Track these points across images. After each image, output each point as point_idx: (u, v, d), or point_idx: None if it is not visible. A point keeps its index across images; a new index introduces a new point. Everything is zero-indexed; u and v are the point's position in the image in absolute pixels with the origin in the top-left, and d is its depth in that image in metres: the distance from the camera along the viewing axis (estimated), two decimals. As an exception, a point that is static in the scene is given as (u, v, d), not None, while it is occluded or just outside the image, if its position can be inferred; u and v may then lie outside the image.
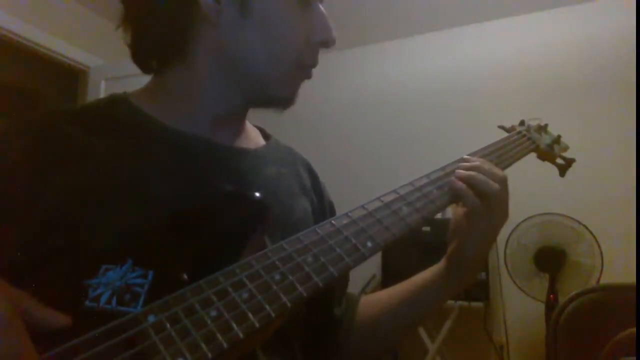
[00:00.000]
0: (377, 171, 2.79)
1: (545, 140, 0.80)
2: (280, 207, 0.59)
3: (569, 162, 0.81)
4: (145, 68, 0.60)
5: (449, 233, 0.63)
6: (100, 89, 2.66)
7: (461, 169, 0.60)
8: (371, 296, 0.73)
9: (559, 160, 0.81)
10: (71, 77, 2.88)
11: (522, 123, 0.82)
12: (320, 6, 0.59)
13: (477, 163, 0.61)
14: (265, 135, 0.70)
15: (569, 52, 2.51)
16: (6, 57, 2.77)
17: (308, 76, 0.61)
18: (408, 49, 2.92)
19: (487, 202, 0.58)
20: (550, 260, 2.08)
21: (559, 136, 0.83)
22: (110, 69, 2.68)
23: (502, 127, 0.82)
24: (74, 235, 0.45)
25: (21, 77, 3.20)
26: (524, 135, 0.77)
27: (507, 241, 2.15)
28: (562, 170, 0.81)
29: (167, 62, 0.58)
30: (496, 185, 0.58)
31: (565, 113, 2.43)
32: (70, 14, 2.69)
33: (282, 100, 0.60)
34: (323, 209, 0.70)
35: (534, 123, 0.82)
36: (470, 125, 2.62)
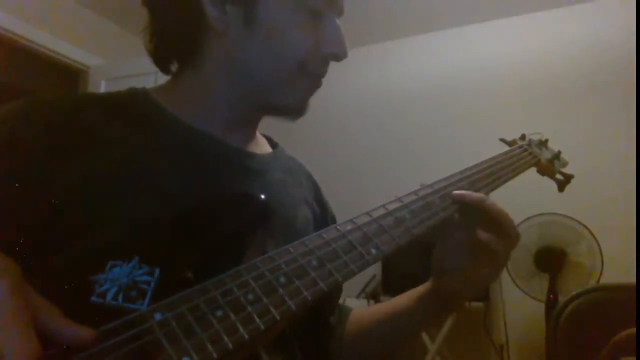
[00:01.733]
0: (378, 170, 2.79)
1: (545, 155, 0.82)
2: (284, 213, 0.60)
3: (568, 178, 0.82)
4: (165, 71, 0.62)
5: (432, 262, 0.62)
6: (100, 89, 2.66)
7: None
8: (359, 311, 0.74)
9: (558, 176, 0.82)
10: (71, 77, 2.88)
11: (523, 137, 0.83)
12: (336, 20, 0.59)
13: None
14: (272, 144, 0.71)
15: (569, 52, 2.51)
16: (6, 57, 2.77)
17: (317, 85, 0.61)
18: (409, 49, 2.92)
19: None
20: (550, 260, 2.08)
21: (559, 152, 0.84)
22: (110, 69, 2.69)
23: (503, 140, 0.83)
24: (82, 223, 0.46)
25: (21, 77, 3.20)
26: (526, 150, 0.78)
27: (507, 241, 2.14)
28: (561, 186, 0.82)
29: (182, 68, 0.61)
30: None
31: (565, 113, 2.43)
32: (70, 14, 2.69)
33: (289, 108, 0.61)
34: (326, 221, 0.70)
35: (535, 137, 0.83)
36: (470, 124, 2.62)
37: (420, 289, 0.65)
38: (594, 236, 2.03)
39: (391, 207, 0.52)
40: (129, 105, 0.59)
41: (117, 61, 2.72)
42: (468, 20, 2.72)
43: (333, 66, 0.61)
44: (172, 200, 0.50)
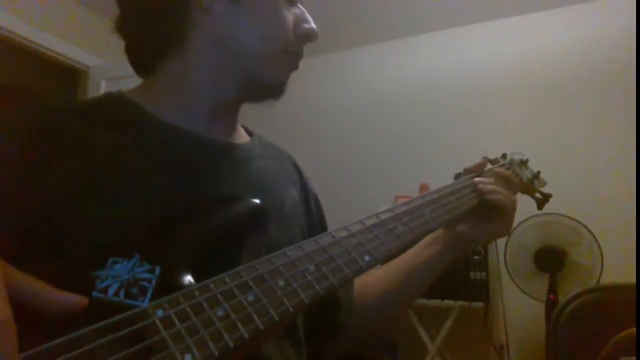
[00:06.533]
0: (378, 171, 2.79)
1: (526, 174, 0.85)
2: (272, 198, 0.61)
3: (547, 197, 0.85)
4: (141, 66, 0.62)
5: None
6: (100, 89, 2.66)
7: (484, 186, 0.70)
8: (371, 274, 0.74)
9: (538, 195, 0.86)
10: (71, 77, 2.88)
11: (504, 156, 0.86)
12: (300, 5, 0.63)
13: (493, 186, 0.71)
14: (249, 132, 0.72)
15: (569, 52, 2.51)
16: (6, 57, 2.77)
17: (295, 67, 0.64)
18: (407, 49, 2.92)
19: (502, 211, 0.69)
20: (550, 260, 2.08)
21: (539, 172, 0.87)
22: (110, 69, 2.68)
23: (486, 159, 0.86)
24: (78, 225, 0.46)
25: (21, 77, 3.20)
26: (508, 169, 0.81)
27: (507, 241, 2.15)
28: (540, 204, 0.86)
29: (163, 54, 0.60)
30: (514, 198, 0.71)
31: (564, 113, 2.43)
32: (70, 14, 2.69)
33: (273, 86, 0.62)
34: (308, 201, 0.72)
35: (516, 157, 0.87)
36: (470, 124, 2.62)
37: (428, 246, 0.72)
38: (594, 236, 2.03)
39: (383, 216, 0.55)
40: (107, 109, 0.59)
41: (117, 61, 2.72)
42: (467, 21, 2.72)
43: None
44: (162, 198, 0.51)
